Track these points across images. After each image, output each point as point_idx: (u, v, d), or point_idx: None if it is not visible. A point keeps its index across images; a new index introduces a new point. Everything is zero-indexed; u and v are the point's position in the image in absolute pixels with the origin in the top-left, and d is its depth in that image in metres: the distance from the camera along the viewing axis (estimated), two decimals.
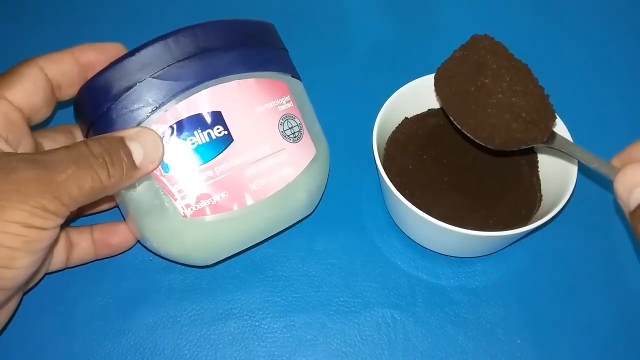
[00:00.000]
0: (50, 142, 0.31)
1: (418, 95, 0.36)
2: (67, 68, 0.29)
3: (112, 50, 0.30)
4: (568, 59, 0.45)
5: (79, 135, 0.33)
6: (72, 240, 0.32)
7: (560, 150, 0.31)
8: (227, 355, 0.32)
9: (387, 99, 0.34)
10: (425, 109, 0.37)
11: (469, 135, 0.31)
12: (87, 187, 0.25)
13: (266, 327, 0.33)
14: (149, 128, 0.28)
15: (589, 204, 0.37)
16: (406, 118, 0.37)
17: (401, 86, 0.35)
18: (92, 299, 0.33)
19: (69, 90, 0.30)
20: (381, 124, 0.34)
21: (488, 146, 0.31)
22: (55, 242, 0.29)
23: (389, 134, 0.36)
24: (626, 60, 0.45)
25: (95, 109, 0.29)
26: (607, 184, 0.38)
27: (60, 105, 0.31)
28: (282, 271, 0.35)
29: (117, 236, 0.33)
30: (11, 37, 0.45)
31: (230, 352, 0.32)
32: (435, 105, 0.37)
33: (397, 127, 0.36)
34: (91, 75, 0.29)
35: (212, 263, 0.33)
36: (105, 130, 0.28)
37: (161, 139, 0.28)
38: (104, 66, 0.28)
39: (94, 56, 0.30)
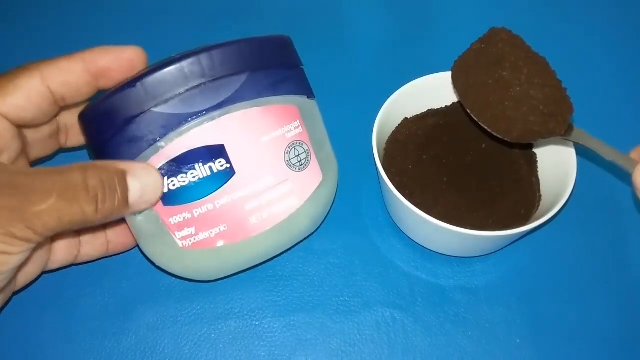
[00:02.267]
0: (33, 132, 0.30)
1: (418, 95, 0.36)
2: (74, 79, 0.27)
3: (128, 56, 0.28)
4: (575, 54, 0.45)
5: (62, 119, 0.31)
6: (83, 238, 0.32)
7: (578, 143, 0.31)
8: (227, 355, 0.32)
9: (387, 99, 0.34)
10: (425, 109, 0.37)
11: (486, 128, 0.31)
12: (67, 220, 0.24)
13: (266, 326, 0.33)
14: (154, 168, 0.27)
15: (588, 203, 0.37)
16: (406, 118, 0.37)
17: (401, 86, 0.35)
18: (92, 299, 0.33)
19: (75, 100, 0.28)
20: (381, 124, 0.34)
21: (505, 139, 0.31)
22: (37, 250, 0.29)
23: (389, 134, 0.36)
24: None
25: (98, 136, 0.28)
26: (607, 182, 0.38)
27: None
28: (282, 271, 0.35)
29: (131, 236, 0.33)
30: (15, 35, 0.45)
31: (231, 352, 0.32)
32: (435, 105, 0.37)
33: (397, 127, 0.37)
34: (103, 83, 0.28)
35: (214, 280, 0.33)
36: (105, 158, 0.27)
37: (163, 181, 0.27)
38: (118, 74, 0.28)
39: (107, 64, 0.28)
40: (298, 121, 0.30)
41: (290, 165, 0.30)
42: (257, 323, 0.33)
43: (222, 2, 0.47)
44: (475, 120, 0.32)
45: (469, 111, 0.32)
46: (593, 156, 0.30)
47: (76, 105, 0.30)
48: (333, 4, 0.48)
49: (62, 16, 0.47)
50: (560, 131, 0.30)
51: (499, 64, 0.30)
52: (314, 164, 0.31)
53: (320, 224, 0.35)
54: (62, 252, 0.31)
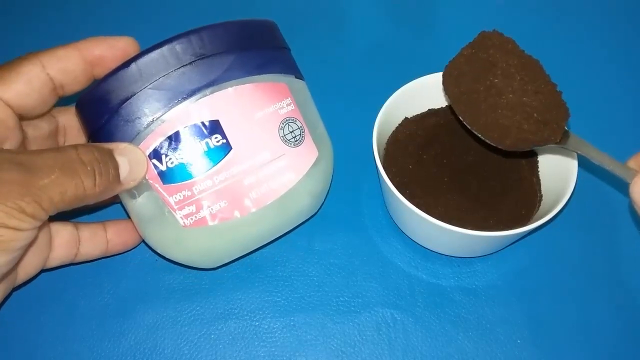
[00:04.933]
0: (33, 129, 0.30)
1: (418, 95, 0.36)
2: (71, 66, 0.28)
3: (122, 45, 0.29)
4: (574, 59, 0.45)
5: (61, 120, 0.32)
6: (82, 236, 0.32)
7: (575, 151, 0.30)
8: (227, 355, 0.32)
9: (387, 99, 0.34)
10: (425, 109, 0.37)
11: (479, 136, 0.31)
12: (70, 194, 0.24)
13: (266, 327, 0.33)
14: (137, 147, 0.28)
15: (589, 204, 0.37)
16: (406, 118, 0.37)
17: (401, 86, 0.35)
18: (92, 299, 0.33)
19: (73, 88, 0.29)
20: (381, 124, 0.34)
21: (499, 147, 0.31)
22: (34, 241, 0.29)
23: (389, 134, 0.36)
24: None
25: (94, 120, 0.28)
26: (608, 183, 0.38)
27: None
28: (282, 271, 0.35)
29: (131, 234, 0.33)
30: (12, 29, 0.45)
31: (230, 352, 0.32)
32: (436, 105, 0.37)
33: (397, 127, 0.36)
34: (98, 72, 0.29)
35: (216, 266, 0.33)
36: (103, 142, 0.28)
37: (147, 158, 0.28)
38: (112, 63, 0.28)
39: (101, 52, 0.29)
40: (289, 98, 0.31)
41: (286, 141, 0.30)
42: (257, 323, 0.33)
43: (221, 1, 0.47)
44: (468, 127, 0.32)
45: (461, 118, 0.32)
46: (590, 162, 0.30)
47: (71, 100, 0.30)
48: (333, 4, 0.48)
49: (59, 16, 0.47)
50: (556, 139, 0.30)
51: (490, 70, 0.30)
52: (308, 140, 0.31)
53: (319, 207, 0.35)
54: (61, 249, 0.31)
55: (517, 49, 0.31)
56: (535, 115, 0.29)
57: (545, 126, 0.30)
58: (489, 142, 0.31)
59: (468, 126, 0.31)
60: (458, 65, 0.32)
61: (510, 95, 0.30)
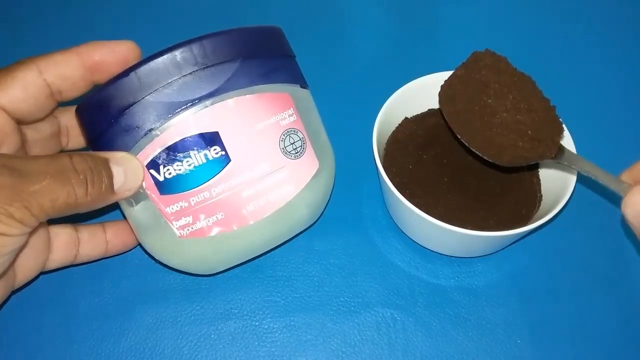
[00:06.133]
0: (33, 132, 0.30)
1: (418, 95, 0.36)
2: (70, 72, 0.28)
3: (123, 50, 0.29)
4: (573, 62, 0.45)
5: (63, 120, 0.32)
6: (81, 237, 0.32)
7: (569, 166, 0.30)
8: (227, 355, 0.32)
9: (387, 99, 0.34)
10: (425, 109, 0.37)
11: (477, 153, 0.31)
12: (61, 202, 0.24)
13: (266, 327, 0.33)
14: (134, 156, 0.27)
15: (589, 204, 0.37)
16: (406, 118, 0.37)
17: (401, 86, 0.35)
18: (92, 299, 0.33)
19: (71, 94, 0.29)
20: (381, 124, 0.34)
21: (497, 163, 0.31)
22: (24, 245, 0.29)
23: (389, 134, 0.36)
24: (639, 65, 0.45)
25: (94, 128, 0.28)
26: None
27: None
28: (282, 271, 0.35)
29: (130, 235, 0.33)
30: (11, 33, 0.45)
31: (230, 352, 0.32)
32: (435, 105, 0.37)
33: (397, 127, 0.36)
34: (98, 77, 0.29)
35: (213, 273, 0.33)
36: (103, 149, 0.28)
37: (143, 168, 0.28)
38: (113, 68, 0.28)
39: (102, 57, 0.28)
40: (292, 109, 0.30)
41: (286, 153, 0.30)
42: (257, 323, 0.33)
43: (222, 2, 0.47)
44: (464, 144, 0.32)
45: (459, 136, 0.32)
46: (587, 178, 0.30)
47: (73, 102, 0.30)
48: (333, 4, 0.48)
49: (59, 17, 0.47)
50: (551, 154, 0.30)
51: (483, 91, 0.30)
52: (309, 152, 0.31)
53: (319, 217, 0.35)
54: (61, 250, 0.31)
55: (510, 68, 0.31)
56: (529, 132, 0.30)
57: (540, 143, 0.30)
58: (486, 158, 0.31)
59: (466, 144, 0.32)
60: (452, 86, 0.32)
61: (504, 114, 0.30)
